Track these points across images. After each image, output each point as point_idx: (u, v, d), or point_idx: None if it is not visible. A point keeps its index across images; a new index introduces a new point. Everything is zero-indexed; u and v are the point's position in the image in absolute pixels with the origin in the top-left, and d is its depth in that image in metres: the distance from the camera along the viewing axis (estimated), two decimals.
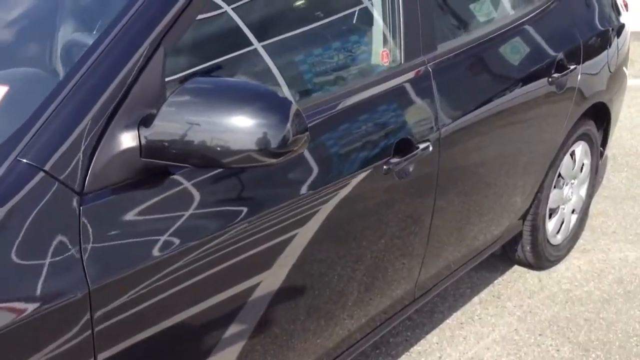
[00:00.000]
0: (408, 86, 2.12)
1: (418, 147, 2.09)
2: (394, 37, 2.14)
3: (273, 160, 1.43)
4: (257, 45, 1.88)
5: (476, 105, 2.36)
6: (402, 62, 2.14)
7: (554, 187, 3.12)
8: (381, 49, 2.10)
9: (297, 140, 1.42)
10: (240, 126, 1.39)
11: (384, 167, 1.99)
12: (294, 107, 1.42)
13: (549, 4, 2.82)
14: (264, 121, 1.39)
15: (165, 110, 1.44)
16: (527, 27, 2.68)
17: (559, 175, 3.13)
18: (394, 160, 2.02)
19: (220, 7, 1.80)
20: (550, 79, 2.71)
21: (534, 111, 2.69)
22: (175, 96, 1.45)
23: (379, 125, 2.01)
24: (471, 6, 2.58)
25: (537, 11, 2.76)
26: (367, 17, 2.15)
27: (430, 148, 2.13)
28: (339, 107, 1.92)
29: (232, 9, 1.84)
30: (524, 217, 3.01)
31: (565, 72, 2.78)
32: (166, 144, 1.43)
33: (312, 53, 2.02)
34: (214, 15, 1.78)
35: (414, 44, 2.17)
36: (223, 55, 1.82)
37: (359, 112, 1.97)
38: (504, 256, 3.27)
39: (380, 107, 2.03)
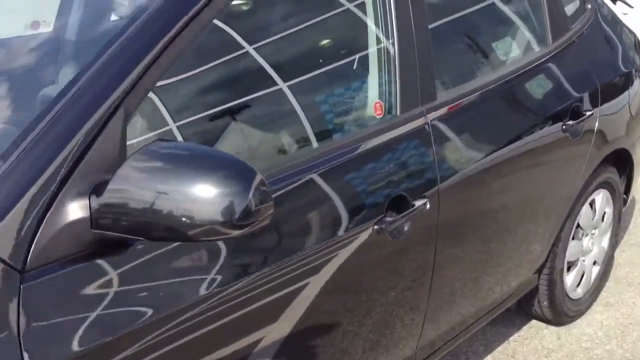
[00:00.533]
0: (403, 139, 1.99)
1: (414, 205, 1.95)
2: (389, 88, 2.01)
3: (236, 232, 1.31)
4: (239, 101, 1.78)
5: (480, 156, 2.21)
6: (398, 113, 2.01)
7: (572, 239, 2.94)
8: (375, 100, 1.97)
9: (260, 211, 1.29)
10: (200, 196, 1.27)
11: (375, 227, 1.85)
12: (257, 177, 1.30)
13: (563, 46, 2.67)
14: (226, 190, 1.27)
15: (119, 177, 1.33)
16: (538, 71, 2.54)
17: (578, 225, 2.95)
18: (388, 219, 1.88)
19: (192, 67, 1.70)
20: (564, 126, 2.56)
21: (546, 161, 2.53)
22: (132, 161, 1.33)
23: (371, 182, 1.87)
24: (477, 51, 2.45)
25: (551, 54, 2.61)
26: (361, 67, 2.03)
27: (428, 205, 1.99)
28: (326, 164, 1.80)
29: (204, 69, 1.74)
30: (539, 271, 2.83)
31: (581, 118, 2.62)
32: (118, 214, 1.31)
33: (302, 105, 1.90)
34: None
35: (411, 94, 2.04)
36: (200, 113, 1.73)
37: (349, 168, 1.84)
38: (521, 310, 3.09)
39: (372, 162, 1.90)
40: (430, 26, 2.22)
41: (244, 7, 1.89)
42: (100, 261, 1.36)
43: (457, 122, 2.18)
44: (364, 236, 1.84)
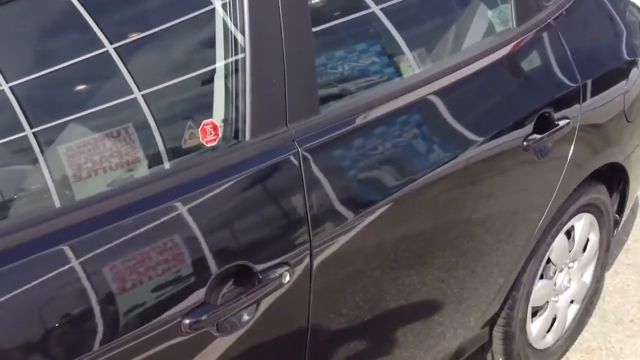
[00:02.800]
0: (251, 177, 1.33)
1: (260, 279, 1.30)
2: (236, 103, 1.34)
3: None
4: None
5: (391, 189, 1.54)
6: (247, 138, 1.34)
7: (541, 278, 2.28)
8: (203, 122, 1.30)
9: None
10: None
11: (187, 321, 1.21)
12: None
13: (532, 31, 1.97)
14: None
15: None
16: (492, 67, 1.84)
17: (549, 261, 2.29)
18: (215, 308, 1.24)
19: None
20: (525, 143, 1.88)
21: (494, 188, 1.86)
22: None
23: (190, 252, 1.22)
24: (404, 43, 1.75)
25: (513, 43, 1.91)
26: (199, 82, 1.36)
27: (287, 277, 1.34)
28: (116, 221, 1.16)
29: None
30: (491, 324, 2.18)
31: (550, 131, 1.94)
32: None
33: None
34: None
35: (272, 111, 1.37)
36: None
37: (155, 226, 1.20)
38: None
39: (192, 217, 1.24)
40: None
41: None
42: None
43: (356, 144, 1.51)
44: (173, 337, 1.20)
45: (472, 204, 1.79)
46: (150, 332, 1.16)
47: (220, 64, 1.35)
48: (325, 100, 1.50)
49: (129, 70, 1.26)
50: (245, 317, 1.29)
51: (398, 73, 1.68)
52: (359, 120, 1.51)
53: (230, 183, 1.29)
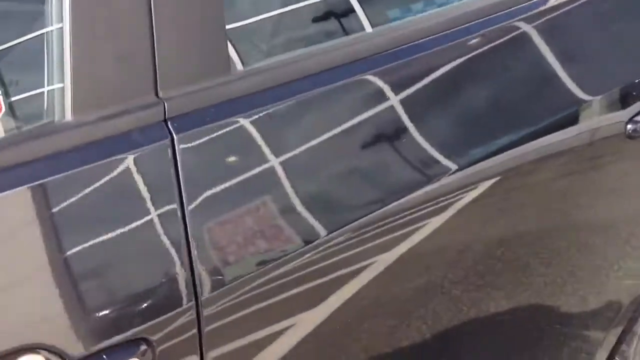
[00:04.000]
0: (67, 187, 0.72)
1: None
2: (49, 55, 0.76)
3: None
4: None
5: (355, 211, 0.90)
6: (68, 116, 0.75)
7: None
8: None
9: None
10: None
11: None
12: None
13: None
14: None
15: None
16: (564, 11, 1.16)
17: None
18: None
19: None
20: (631, 127, 1.18)
21: (579, 194, 1.18)
22: None
23: None
24: None
25: None
26: None
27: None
28: None
29: None
30: None
31: None
32: None
33: None
34: None
35: (122, 67, 0.77)
36: None
37: None
38: None
39: None
40: None
41: None
42: None
43: (298, 123, 0.89)
44: None
45: (533, 218, 1.13)
46: None
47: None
48: (246, 52, 0.89)
49: None
50: None
51: (387, 15, 1.04)
52: (307, 85, 0.88)
53: (20, 193, 0.70)
